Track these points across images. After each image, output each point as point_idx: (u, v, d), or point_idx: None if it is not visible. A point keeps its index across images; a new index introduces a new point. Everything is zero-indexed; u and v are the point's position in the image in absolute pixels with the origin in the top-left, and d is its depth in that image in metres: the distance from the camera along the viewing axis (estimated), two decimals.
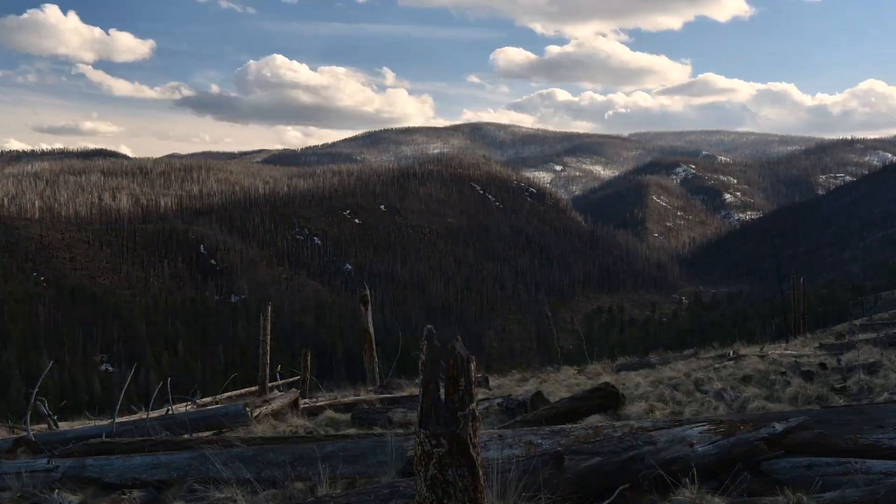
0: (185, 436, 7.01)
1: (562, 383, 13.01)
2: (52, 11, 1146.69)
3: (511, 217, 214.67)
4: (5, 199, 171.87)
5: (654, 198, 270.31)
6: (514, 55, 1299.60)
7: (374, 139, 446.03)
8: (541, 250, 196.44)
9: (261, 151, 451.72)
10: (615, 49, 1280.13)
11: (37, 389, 9.72)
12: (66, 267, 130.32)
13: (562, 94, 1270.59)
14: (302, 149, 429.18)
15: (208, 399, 14.87)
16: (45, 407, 11.07)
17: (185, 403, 12.91)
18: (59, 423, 11.76)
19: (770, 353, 13.79)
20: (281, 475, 4.94)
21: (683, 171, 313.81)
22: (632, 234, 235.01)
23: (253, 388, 15.96)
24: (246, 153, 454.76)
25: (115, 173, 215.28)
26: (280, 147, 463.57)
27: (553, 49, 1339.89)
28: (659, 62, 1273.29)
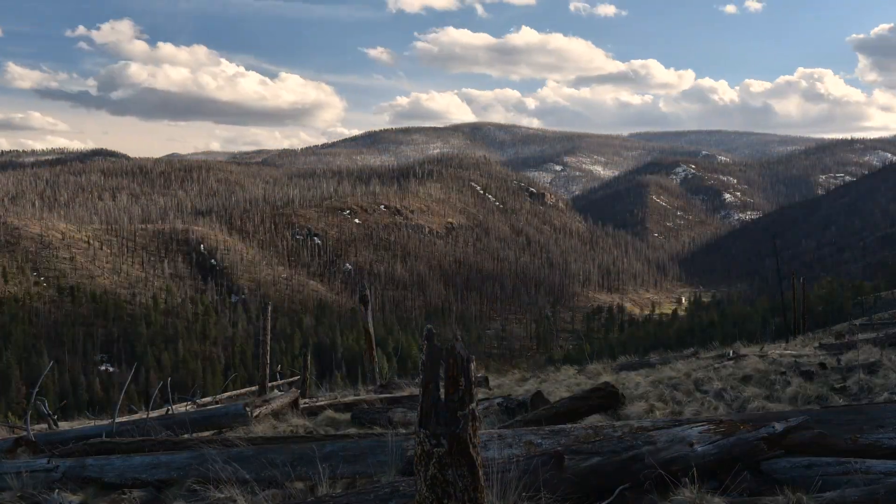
0: (186, 436, 7.02)
1: (562, 383, 13.01)
2: None
3: (511, 217, 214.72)
4: (6, 199, 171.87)
5: (654, 198, 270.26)
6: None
7: (374, 139, 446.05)
8: (541, 250, 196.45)
9: (261, 151, 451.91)
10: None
11: (37, 389, 9.72)
12: (66, 267, 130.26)
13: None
14: (302, 149, 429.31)
15: (208, 399, 14.88)
16: (45, 407, 11.08)
17: (185, 403, 12.91)
18: (59, 423, 11.76)
19: (770, 352, 13.79)
20: (281, 475, 4.94)
21: (683, 171, 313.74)
22: (632, 234, 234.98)
23: (253, 388, 15.97)
24: (246, 153, 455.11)
25: (115, 173, 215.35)
26: (280, 147, 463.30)
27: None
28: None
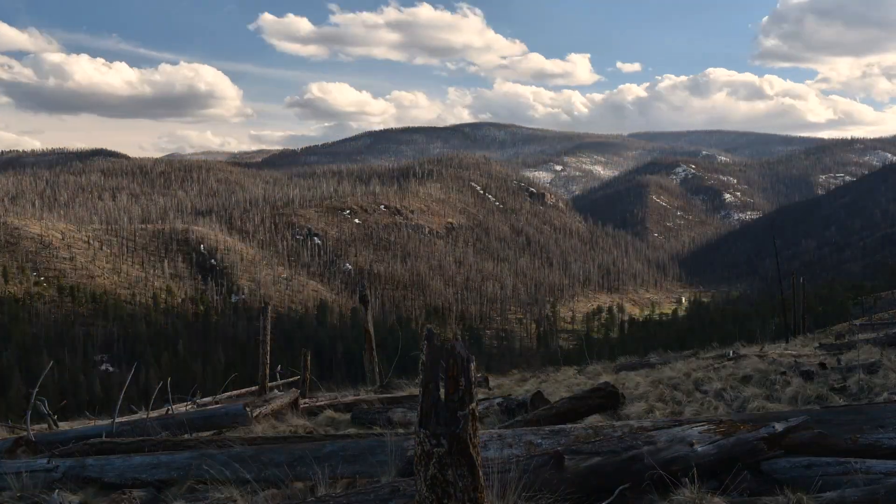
0: (186, 436, 7.02)
1: (562, 383, 13.01)
2: None
3: (511, 217, 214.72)
4: (6, 199, 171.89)
5: (654, 198, 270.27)
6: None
7: (374, 139, 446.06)
8: (541, 250, 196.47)
9: (261, 151, 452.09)
10: None
11: (37, 389, 9.72)
12: (66, 267, 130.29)
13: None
14: (302, 149, 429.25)
15: (208, 399, 14.87)
16: (45, 407, 11.07)
17: (185, 403, 12.91)
18: (59, 423, 11.76)
19: (770, 352, 13.79)
20: (281, 475, 4.94)
21: (683, 171, 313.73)
22: (632, 234, 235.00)
23: (253, 388, 15.96)
24: (246, 153, 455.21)
25: (115, 173, 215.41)
26: (280, 147, 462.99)
27: None
28: None
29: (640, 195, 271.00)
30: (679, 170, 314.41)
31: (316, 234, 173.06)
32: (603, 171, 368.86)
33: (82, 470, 5.52)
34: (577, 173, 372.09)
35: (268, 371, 12.93)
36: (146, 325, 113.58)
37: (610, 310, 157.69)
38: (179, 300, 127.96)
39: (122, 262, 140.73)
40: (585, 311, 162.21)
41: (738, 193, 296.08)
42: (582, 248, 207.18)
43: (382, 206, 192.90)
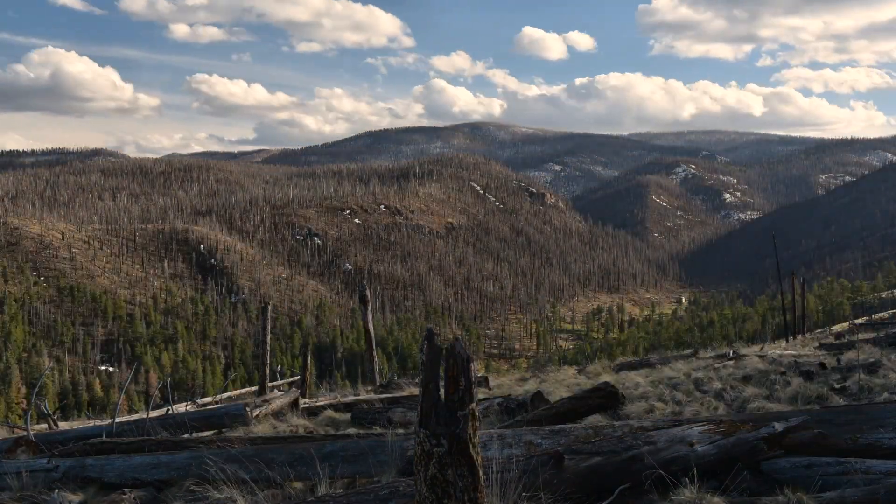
0: (185, 436, 7.02)
1: (561, 383, 13.00)
2: None
3: (511, 217, 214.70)
4: (6, 199, 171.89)
5: (654, 198, 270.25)
6: None
7: (374, 139, 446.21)
8: (541, 250, 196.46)
9: (261, 151, 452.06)
10: None
11: (37, 389, 9.71)
12: (66, 267, 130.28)
13: None
14: (302, 148, 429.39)
15: (208, 399, 14.88)
16: (45, 407, 11.08)
17: (185, 403, 12.92)
18: (59, 423, 11.77)
19: (770, 352, 13.79)
20: (280, 475, 4.94)
21: (683, 171, 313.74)
22: (632, 234, 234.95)
23: (253, 388, 15.96)
24: (246, 153, 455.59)
25: (115, 173, 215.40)
26: (280, 147, 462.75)
27: None
28: None
29: (640, 195, 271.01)
30: (679, 170, 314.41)
31: (316, 234, 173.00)
32: (603, 171, 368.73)
33: (82, 470, 5.52)
34: (577, 173, 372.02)
35: (267, 371, 12.93)
36: (146, 325, 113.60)
37: (610, 310, 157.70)
38: (179, 300, 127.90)
39: (122, 262, 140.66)
40: (585, 311, 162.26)
41: (738, 193, 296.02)
42: (582, 248, 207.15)
43: (382, 206, 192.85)
